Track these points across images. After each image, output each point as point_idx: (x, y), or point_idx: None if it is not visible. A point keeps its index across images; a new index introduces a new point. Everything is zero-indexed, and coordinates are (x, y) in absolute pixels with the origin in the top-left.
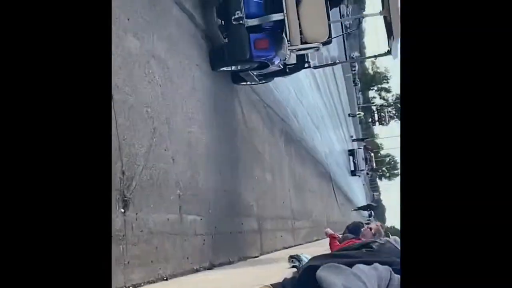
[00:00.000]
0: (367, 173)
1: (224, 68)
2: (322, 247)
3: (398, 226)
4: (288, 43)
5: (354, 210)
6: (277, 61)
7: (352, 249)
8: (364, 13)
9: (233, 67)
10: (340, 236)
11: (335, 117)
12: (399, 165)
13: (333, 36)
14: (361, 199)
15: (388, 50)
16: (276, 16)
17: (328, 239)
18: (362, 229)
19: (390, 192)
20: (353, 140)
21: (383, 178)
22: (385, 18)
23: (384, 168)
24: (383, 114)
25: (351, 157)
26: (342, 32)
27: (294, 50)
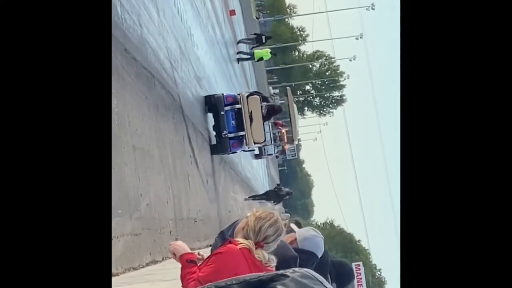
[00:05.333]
0: (277, 157)
1: (219, 154)
2: None
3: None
4: (245, 145)
5: (251, 198)
6: (241, 150)
7: None
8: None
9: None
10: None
11: None
12: None
13: (266, 140)
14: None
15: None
16: (242, 132)
17: None
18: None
19: None
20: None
21: None
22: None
23: None
24: None
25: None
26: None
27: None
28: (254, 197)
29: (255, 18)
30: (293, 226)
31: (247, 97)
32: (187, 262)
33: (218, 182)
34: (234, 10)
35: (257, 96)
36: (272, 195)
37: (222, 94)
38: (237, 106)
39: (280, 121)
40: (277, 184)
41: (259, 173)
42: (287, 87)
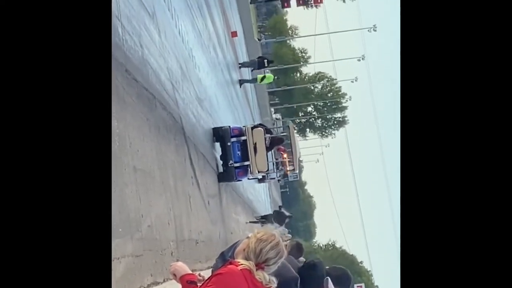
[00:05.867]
0: (279, 180)
1: (225, 182)
2: None
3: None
4: (250, 173)
5: (253, 221)
6: (246, 178)
7: None
8: None
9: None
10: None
11: None
12: None
13: (269, 169)
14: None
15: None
16: (247, 162)
17: None
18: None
19: None
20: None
21: None
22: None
23: None
24: None
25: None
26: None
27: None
28: (256, 221)
29: (256, 39)
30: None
31: (252, 129)
32: (188, 283)
33: (220, 203)
34: (236, 32)
35: (261, 129)
36: (273, 218)
37: (229, 126)
38: (243, 138)
39: (282, 147)
40: (279, 206)
41: (261, 195)
42: (289, 122)
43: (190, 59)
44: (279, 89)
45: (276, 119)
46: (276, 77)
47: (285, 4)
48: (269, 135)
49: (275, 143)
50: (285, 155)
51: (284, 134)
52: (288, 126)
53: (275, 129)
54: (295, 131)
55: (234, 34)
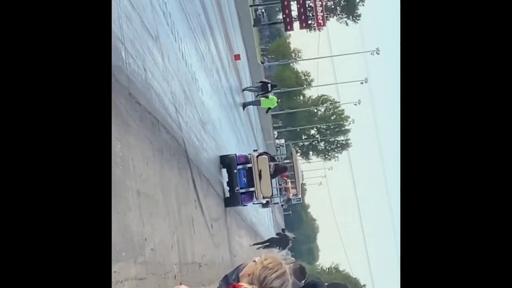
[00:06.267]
0: (282, 205)
1: (231, 207)
2: None
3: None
4: (255, 198)
5: (257, 244)
6: (251, 203)
7: None
8: None
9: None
10: None
11: None
12: None
13: (273, 194)
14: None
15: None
16: (252, 188)
17: None
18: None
19: None
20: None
21: None
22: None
23: None
24: None
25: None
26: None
27: (259, 200)
28: (259, 244)
29: (260, 62)
30: None
31: (257, 157)
32: None
33: (223, 227)
34: (239, 55)
35: (266, 156)
36: (276, 241)
37: (235, 154)
38: (248, 165)
39: (286, 173)
40: (282, 229)
41: (265, 218)
42: (292, 148)
43: (193, 82)
44: (282, 112)
45: (280, 145)
46: (279, 100)
47: (288, 27)
48: (273, 162)
49: (279, 170)
50: (288, 181)
51: (288, 161)
52: (291, 152)
53: (279, 155)
54: (298, 154)
55: (237, 57)
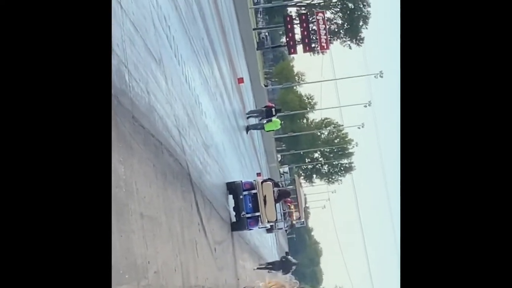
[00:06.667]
0: (286, 231)
1: (238, 231)
2: None
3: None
4: (261, 223)
5: (260, 268)
6: (257, 228)
7: None
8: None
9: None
10: None
11: None
12: None
13: (278, 219)
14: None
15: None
16: (257, 213)
17: None
18: None
19: None
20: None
21: None
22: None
23: None
24: None
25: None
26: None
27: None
28: (262, 266)
29: (263, 86)
30: None
31: (262, 183)
32: None
33: (227, 250)
34: (242, 78)
35: (270, 183)
36: (279, 265)
37: (241, 181)
38: (253, 191)
39: (289, 199)
40: (286, 253)
41: (268, 241)
42: (295, 176)
43: (197, 105)
44: (286, 135)
45: (284, 172)
46: (282, 122)
47: (292, 51)
48: (277, 188)
49: (283, 196)
50: (292, 206)
51: (291, 187)
52: (294, 179)
53: (283, 182)
54: (302, 177)
55: (240, 80)
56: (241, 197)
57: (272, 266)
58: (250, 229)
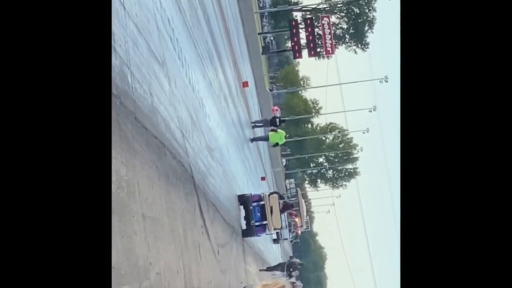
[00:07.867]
0: (291, 241)
1: (248, 237)
2: None
3: None
4: (268, 230)
5: (264, 270)
6: (264, 234)
7: None
8: None
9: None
10: None
11: None
12: None
13: (282, 226)
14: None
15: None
16: (265, 221)
17: None
18: None
19: None
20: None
21: None
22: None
23: None
24: None
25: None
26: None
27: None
28: (267, 269)
29: (268, 90)
30: None
31: (269, 196)
32: None
33: (230, 253)
34: (247, 82)
35: (276, 195)
36: (283, 266)
37: (251, 194)
38: (262, 202)
39: (294, 212)
40: (290, 257)
41: (272, 246)
42: (298, 189)
43: (201, 108)
44: (291, 140)
45: (290, 187)
46: (286, 135)
47: (297, 55)
48: (282, 200)
49: (287, 207)
50: (296, 219)
51: (294, 199)
52: (297, 191)
53: (288, 194)
54: (306, 182)
55: (245, 84)
56: (250, 207)
57: (277, 269)
58: (259, 235)
